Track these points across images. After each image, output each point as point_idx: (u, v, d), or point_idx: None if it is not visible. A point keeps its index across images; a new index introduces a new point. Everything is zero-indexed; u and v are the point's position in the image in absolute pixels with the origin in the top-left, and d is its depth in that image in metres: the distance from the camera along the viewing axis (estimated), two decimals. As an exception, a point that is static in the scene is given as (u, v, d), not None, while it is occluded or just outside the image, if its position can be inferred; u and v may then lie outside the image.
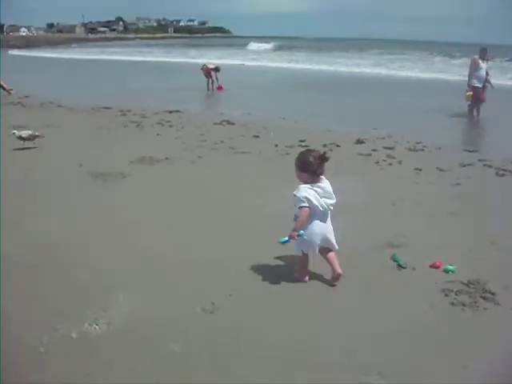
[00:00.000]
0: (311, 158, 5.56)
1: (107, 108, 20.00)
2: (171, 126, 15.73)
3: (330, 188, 5.67)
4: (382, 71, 41.73)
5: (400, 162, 11.32)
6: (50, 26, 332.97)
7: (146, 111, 18.71)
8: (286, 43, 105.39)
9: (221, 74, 28.10)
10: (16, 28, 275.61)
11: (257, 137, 13.96)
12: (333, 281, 5.77)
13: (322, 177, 5.68)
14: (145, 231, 7.16)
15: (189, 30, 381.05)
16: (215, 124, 16.04)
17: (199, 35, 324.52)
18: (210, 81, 27.99)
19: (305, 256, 5.87)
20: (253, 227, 7.25)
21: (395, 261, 6.21)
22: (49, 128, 15.36)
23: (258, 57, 63.11)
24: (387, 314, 5.11)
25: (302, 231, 5.58)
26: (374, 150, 12.36)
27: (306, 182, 5.63)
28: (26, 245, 6.66)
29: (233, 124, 16.02)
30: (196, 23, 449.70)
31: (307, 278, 5.86)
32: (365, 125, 15.92)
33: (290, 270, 5.97)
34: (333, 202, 5.68)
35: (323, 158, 5.55)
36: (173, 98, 23.34)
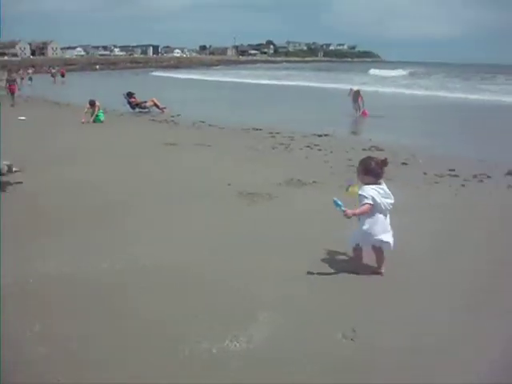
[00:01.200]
0: (374, 164, 6.27)
1: (257, 129, 20.50)
2: (320, 150, 15.82)
3: (388, 190, 6.30)
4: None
5: (556, 196, 10.76)
6: (203, 48, 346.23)
7: (295, 134, 18.98)
8: (433, 69, 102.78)
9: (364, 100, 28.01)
10: (170, 49, 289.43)
11: (405, 164, 13.72)
12: (373, 271, 6.51)
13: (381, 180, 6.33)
14: (290, 252, 7.14)
15: (338, 54, 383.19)
16: (364, 150, 15.85)
17: (348, 59, 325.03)
18: (357, 105, 27.88)
19: (360, 250, 6.57)
20: (395, 254, 7.10)
21: None
22: (200, 146, 15.91)
23: (409, 82, 62.29)
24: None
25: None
26: (527, 183, 11.80)
27: (367, 184, 6.27)
28: (175, 259, 6.91)
29: (381, 150, 15.72)
30: (346, 47, 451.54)
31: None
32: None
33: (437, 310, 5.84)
34: (392, 201, 6.30)
35: (384, 164, 6.28)
36: (321, 121, 23.50)
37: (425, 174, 12.43)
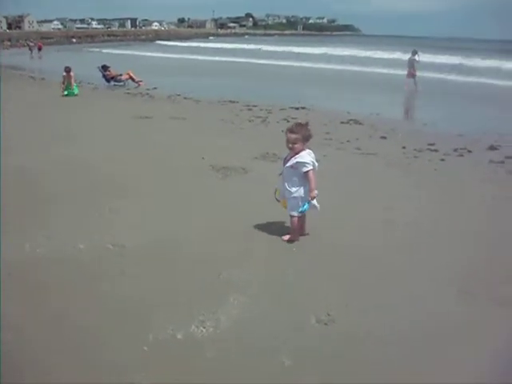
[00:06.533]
0: (306, 129, 6.32)
1: (233, 102, 20.23)
2: (297, 124, 15.47)
3: None
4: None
5: (536, 171, 10.50)
6: (181, 20, 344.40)
7: (272, 107, 18.66)
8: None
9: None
10: (149, 22, 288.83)
11: (384, 138, 13.48)
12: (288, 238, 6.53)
13: None
14: (262, 231, 6.86)
15: (318, 28, 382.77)
16: (342, 123, 15.66)
17: (328, 33, 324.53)
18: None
19: (303, 218, 6.60)
20: (376, 235, 6.86)
21: None
22: (175, 119, 15.60)
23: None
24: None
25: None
26: (508, 157, 11.53)
27: (301, 151, 6.32)
28: (147, 236, 6.64)
29: (360, 124, 15.59)
30: (325, 21, 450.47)
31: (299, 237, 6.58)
32: (500, 131, 14.94)
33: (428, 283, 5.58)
34: (317, 164, 6.43)
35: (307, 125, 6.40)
36: (299, 95, 23.04)
37: (404, 148, 12.15)
